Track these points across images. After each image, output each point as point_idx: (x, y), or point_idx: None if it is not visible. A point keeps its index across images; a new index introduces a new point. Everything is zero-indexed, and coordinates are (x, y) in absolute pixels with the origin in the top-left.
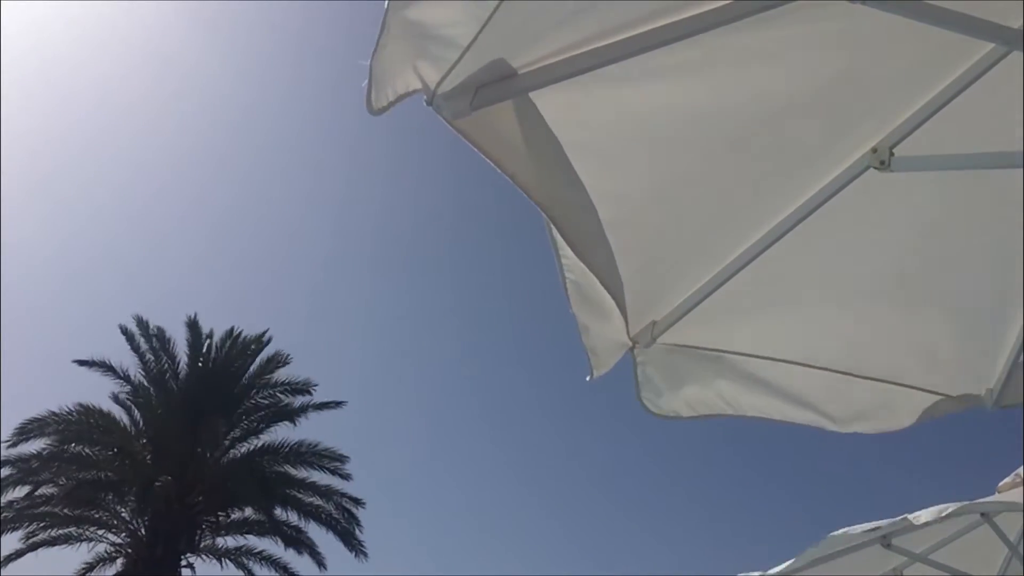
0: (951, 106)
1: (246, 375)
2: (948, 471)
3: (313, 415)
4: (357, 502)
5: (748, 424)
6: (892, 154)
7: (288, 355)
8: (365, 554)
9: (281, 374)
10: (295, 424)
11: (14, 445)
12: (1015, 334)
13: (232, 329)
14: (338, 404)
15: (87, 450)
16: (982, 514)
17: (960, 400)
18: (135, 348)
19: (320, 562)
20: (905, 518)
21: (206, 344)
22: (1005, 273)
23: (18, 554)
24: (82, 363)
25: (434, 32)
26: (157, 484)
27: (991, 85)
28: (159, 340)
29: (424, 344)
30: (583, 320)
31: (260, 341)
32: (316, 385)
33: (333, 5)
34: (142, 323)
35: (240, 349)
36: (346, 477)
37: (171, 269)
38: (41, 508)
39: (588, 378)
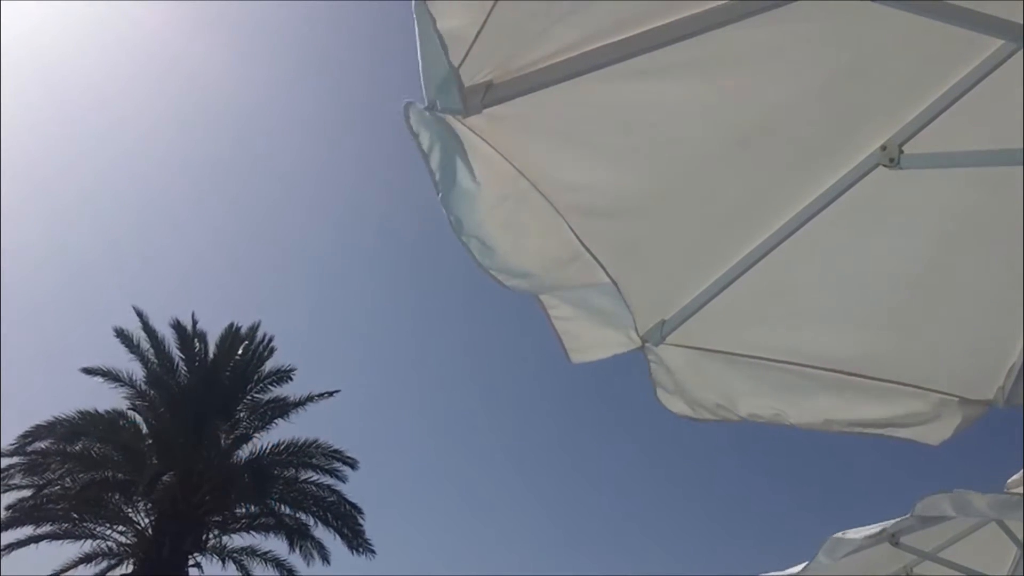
0: (960, 104)
1: (236, 370)
2: (954, 468)
3: (316, 415)
4: (356, 508)
5: (750, 424)
6: (902, 152)
7: (273, 345)
8: (372, 551)
9: (268, 365)
10: (287, 419)
11: (20, 449)
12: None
13: (232, 326)
14: (331, 394)
15: (94, 451)
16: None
17: (974, 403)
18: (133, 350)
19: (325, 556)
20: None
21: (201, 344)
22: (1013, 272)
23: (19, 544)
24: (88, 371)
25: (442, 31)
26: (161, 483)
27: (1000, 82)
28: (156, 341)
29: (425, 344)
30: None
31: (250, 334)
32: (295, 369)
33: (334, 6)
34: (145, 324)
35: (228, 346)
36: (348, 465)
37: (173, 272)
38: (48, 506)
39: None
